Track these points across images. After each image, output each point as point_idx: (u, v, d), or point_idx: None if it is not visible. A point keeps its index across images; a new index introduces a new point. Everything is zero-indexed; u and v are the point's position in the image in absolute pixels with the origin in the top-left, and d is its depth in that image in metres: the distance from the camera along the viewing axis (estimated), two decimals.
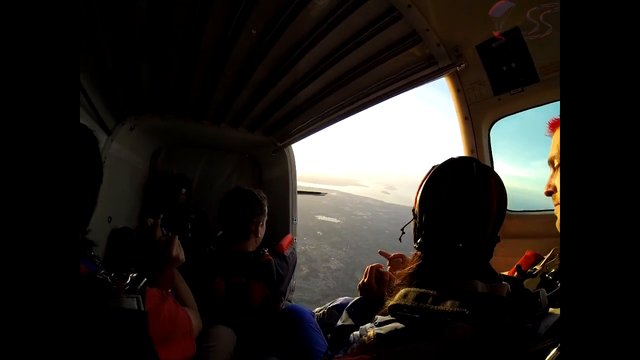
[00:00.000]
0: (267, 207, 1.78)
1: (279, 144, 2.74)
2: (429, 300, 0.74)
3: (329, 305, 1.75)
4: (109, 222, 2.41)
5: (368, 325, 0.79)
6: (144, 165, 2.99)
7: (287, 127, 2.53)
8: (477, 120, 1.55)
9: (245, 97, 2.09)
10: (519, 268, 0.89)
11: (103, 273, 0.70)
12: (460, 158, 0.86)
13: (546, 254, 0.93)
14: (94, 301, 0.64)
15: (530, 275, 0.89)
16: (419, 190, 0.86)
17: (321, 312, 1.75)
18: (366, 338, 0.75)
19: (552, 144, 0.84)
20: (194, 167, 3.19)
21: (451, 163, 0.84)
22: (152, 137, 2.86)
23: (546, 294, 0.71)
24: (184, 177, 2.98)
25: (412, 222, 0.91)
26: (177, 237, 1.14)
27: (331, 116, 2.17)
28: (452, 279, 0.78)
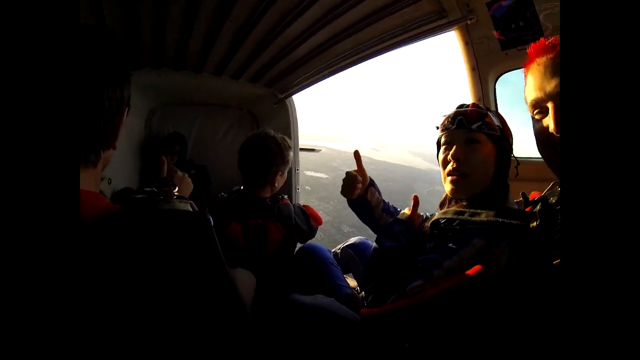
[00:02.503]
0: (291, 156, 1.77)
1: (280, 96, 2.74)
2: (466, 214, 0.90)
3: (342, 245, 1.84)
4: (109, 184, 2.42)
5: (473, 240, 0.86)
6: (140, 125, 2.94)
7: (289, 78, 2.51)
8: (484, 72, 1.62)
9: (249, 47, 2.05)
10: (523, 195, 1.00)
11: (140, 191, 0.63)
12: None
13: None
14: (140, 210, 0.56)
15: (533, 202, 1.01)
16: (509, 135, 1.07)
17: (333, 252, 1.83)
18: (476, 245, 0.84)
19: (539, 80, 0.75)
20: (191, 125, 3.14)
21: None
22: (148, 96, 2.79)
23: None
24: (175, 136, 2.95)
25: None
26: (177, 171, 1.14)
27: (336, 66, 2.17)
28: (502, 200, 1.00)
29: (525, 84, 0.83)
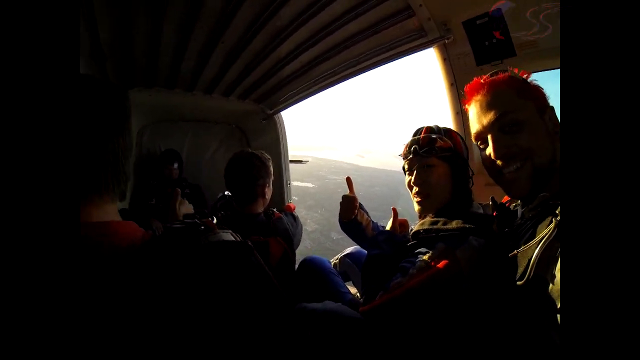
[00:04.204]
0: (272, 168, 1.86)
1: (268, 112, 2.81)
2: (439, 224, 1.05)
3: (340, 255, 1.93)
4: None
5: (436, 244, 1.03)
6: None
7: (278, 95, 2.60)
8: (462, 86, 1.73)
9: (240, 66, 2.13)
10: (493, 200, 1.09)
11: (178, 222, 0.66)
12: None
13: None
14: (189, 241, 0.60)
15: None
16: (462, 150, 1.20)
17: (333, 262, 1.92)
18: (439, 249, 1.00)
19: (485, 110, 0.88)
20: (181, 142, 3.18)
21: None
22: (138, 115, 2.81)
23: (521, 209, 0.89)
24: (174, 151, 2.98)
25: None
26: (179, 190, 1.17)
27: (323, 82, 2.28)
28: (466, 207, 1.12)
29: (468, 119, 0.97)
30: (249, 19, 1.67)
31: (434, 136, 1.18)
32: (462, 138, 1.24)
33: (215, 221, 0.68)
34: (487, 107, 0.88)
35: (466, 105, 0.96)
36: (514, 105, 0.85)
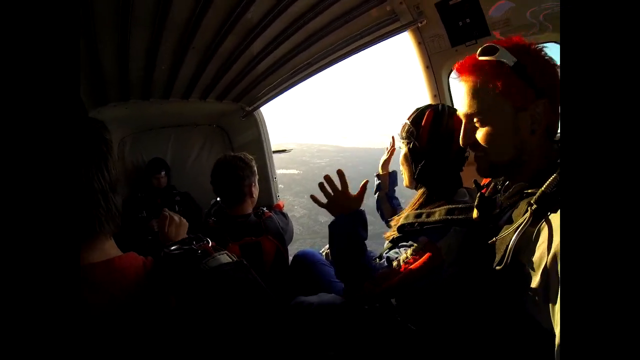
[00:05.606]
0: (256, 167, 1.88)
1: (248, 109, 2.78)
2: (423, 216, 1.08)
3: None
4: None
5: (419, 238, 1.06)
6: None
7: (256, 91, 2.56)
8: (437, 69, 1.75)
9: (214, 68, 2.09)
10: (475, 182, 1.09)
11: (175, 248, 0.68)
12: (438, 105, 1.20)
13: None
14: (190, 268, 0.63)
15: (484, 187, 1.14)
16: (425, 135, 1.15)
17: (324, 252, 1.99)
18: (422, 242, 1.04)
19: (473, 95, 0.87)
20: (164, 149, 3.12)
21: (441, 110, 1.18)
22: (115, 128, 2.73)
23: (500, 199, 0.94)
24: (159, 160, 2.93)
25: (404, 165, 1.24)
26: (165, 212, 1.13)
27: (299, 75, 2.25)
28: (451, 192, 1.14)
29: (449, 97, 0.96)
30: (217, 22, 1.62)
31: (404, 122, 1.23)
32: (434, 121, 1.17)
33: (210, 245, 0.72)
34: (467, 96, 0.88)
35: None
36: (487, 105, 0.85)
